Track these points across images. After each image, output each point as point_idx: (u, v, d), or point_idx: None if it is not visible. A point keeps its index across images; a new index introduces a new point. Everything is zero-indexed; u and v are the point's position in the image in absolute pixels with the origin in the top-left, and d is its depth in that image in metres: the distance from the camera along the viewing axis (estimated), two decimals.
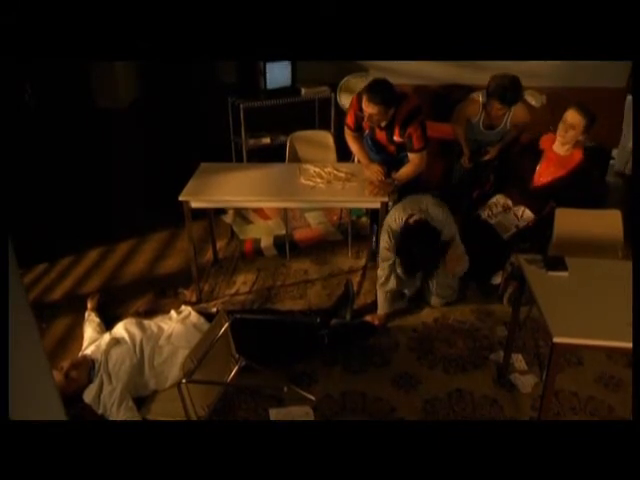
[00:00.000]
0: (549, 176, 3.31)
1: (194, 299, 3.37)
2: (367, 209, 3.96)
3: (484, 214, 3.42)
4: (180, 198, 3.08)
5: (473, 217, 3.50)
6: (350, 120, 3.34)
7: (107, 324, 2.92)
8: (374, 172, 3.24)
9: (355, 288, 3.42)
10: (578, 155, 3.24)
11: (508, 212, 3.38)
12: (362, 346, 2.98)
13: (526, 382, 2.78)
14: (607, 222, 2.95)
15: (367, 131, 3.42)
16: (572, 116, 3.10)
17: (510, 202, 3.40)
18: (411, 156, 3.25)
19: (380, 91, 2.99)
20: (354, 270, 3.74)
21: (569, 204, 3.02)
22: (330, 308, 3.15)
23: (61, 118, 3.76)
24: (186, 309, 2.85)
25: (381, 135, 3.35)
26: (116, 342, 2.57)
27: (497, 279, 3.52)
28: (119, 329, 2.65)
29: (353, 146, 3.42)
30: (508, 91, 3.53)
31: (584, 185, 3.26)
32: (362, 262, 3.81)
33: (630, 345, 2.03)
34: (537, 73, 4.91)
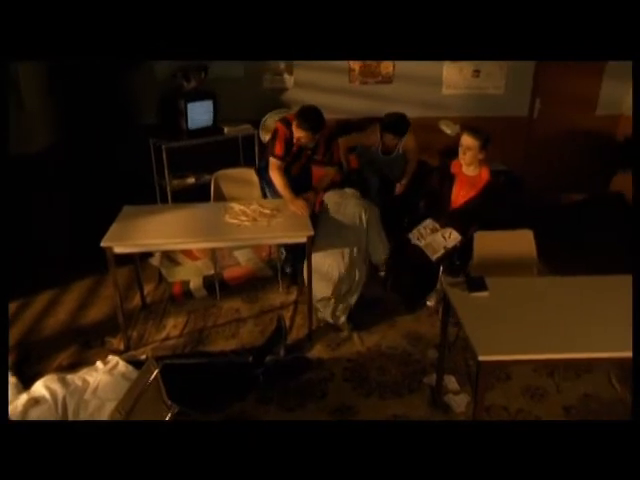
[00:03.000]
0: (464, 197, 3.55)
1: (122, 347, 3.23)
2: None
3: (414, 237, 3.56)
4: (102, 244, 2.98)
5: (403, 241, 3.63)
6: (279, 149, 3.43)
7: (25, 383, 2.74)
8: (299, 207, 3.30)
9: (287, 323, 3.43)
10: (485, 174, 3.50)
11: (436, 234, 3.53)
12: (298, 381, 2.96)
13: (460, 402, 2.85)
14: (521, 242, 3.12)
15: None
16: (466, 139, 3.42)
17: (438, 225, 3.56)
18: (330, 169, 3.71)
19: (310, 117, 3.31)
20: (285, 305, 3.74)
21: (491, 222, 3.21)
22: (263, 345, 3.12)
23: None
24: (113, 359, 2.74)
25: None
26: (35, 402, 2.41)
27: (431, 301, 3.65)
28: (38, 387, 2.49)
29: (278, 180, 3.47)
30: (398, 125, 4.35)
31: (498, 201, 3.47)
32: (293, 297, 3.82)
33: (550, 356, 2.16)
34: (450, 105, 5.24)
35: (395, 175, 4.55)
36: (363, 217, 3.51)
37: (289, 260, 3.95)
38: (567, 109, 5.47)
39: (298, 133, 3.33)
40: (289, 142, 3.43)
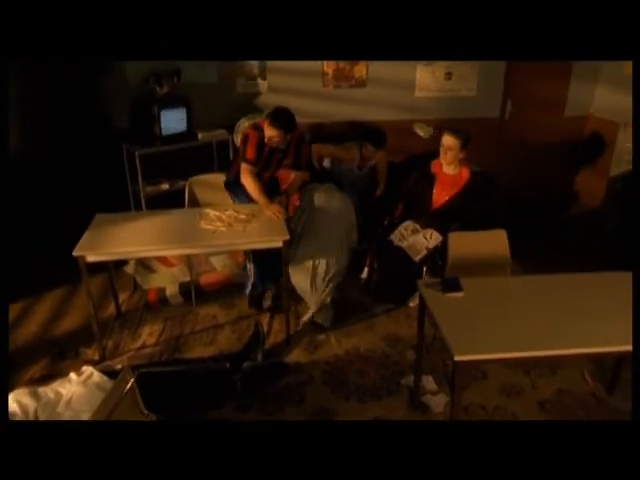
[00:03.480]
0: (445, 196, 3.60)
1: (97, 358, 3.17)
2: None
3: (395, 239, 3.59)
4: (74, 253, 2.93)
5: (385, 243, 3.65)
6: (250, 153, 3.41)
7: None
8: (275, 212, 3.30)
9: (265, 328, 3.42)
10: (466, 173, 3.58)
11: (418, 235, 3.57)
12: (276, 386, 2.95)
13: (438, 402, 2.87)
14: (495, 242, 3.17)
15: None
16: (447, 139, 3.50)
17: (418, 226, 3.60)
18: (299, 173, 3.69)
19: (282, 117, 3.32)
20: (263, 310, 3.72)
21: (472, 221, 3.25)
22: (241, 351, 3.11)
23: None
24: (87, 369, 2.69)
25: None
26: None
27: (415, 301, 3.66)
28: (8, 402, 2.43)
29: (252, 185, 3.43)
30: (378, 137, 4.45)
31: (480, 199, 3.53)
32: (270, 301, 3.78)
33: (525, 354, 2.19)
34: (424, 107, 5.29)
35: (367, 189, 4.62)
36: (349, 210, 3.67)
37: (257, 280, 3.72)
38: (537, 110, 5.58)
39: (270, 132, 3.31)
40: (260, 146, 3.41)
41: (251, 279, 3.69)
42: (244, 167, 3.45)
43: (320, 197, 3.68)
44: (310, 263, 3.45)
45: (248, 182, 3.45)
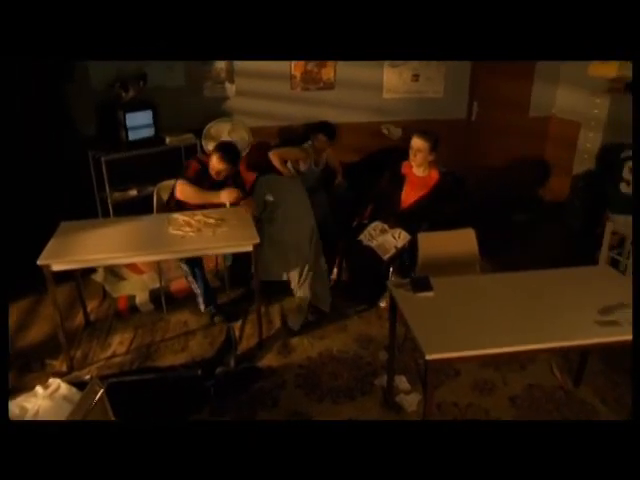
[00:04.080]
0: (414, 197, 3.65)
1: (65, 369, 3.10)
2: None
3: (365, 239, 3.62)
4: (38, 262, 2.86)
5: (354, 243, 3.68)
6: (190, 173, 3.43)
7: None
8: (230, 195, 3.40)
9: (237, 333, 3.40)
10: (435, 174, 3.64)
11: (386, 235, 3.60)
12: (250, 391, 2.93)
13: (411, 401, 2.89)
14: (464, 241, 3.21)
15: None
16: (416, 142, 3.55)
17: (387, 226, 3.63)
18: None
19: (232, 151, 3.46)
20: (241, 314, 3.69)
21: (440, 222, 3.29)
22: (213, 357, 3.07)
23: None
24: (54, 382, 2.61)
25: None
26: None
27: (385, 301, 3.70)
28: None
29: (191, 190, 3.40)
30: (329, 127, 4.49)
31: (449, 199, 3.58)
32: (241, 306, 3.77)
33: (495, 350, 2.22)
34: (392, 109, 5.34)
35: (328, 184, 4.74)
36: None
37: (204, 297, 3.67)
38: (503, 111, 5.68)
39: (220, 166, 3.39)
40: (200, 177, 3.43)
41: (200, 298, 3.65)
42: (180, 182, 3.42)
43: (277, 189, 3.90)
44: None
45: (187, 191, 3.40)
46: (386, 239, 3.58)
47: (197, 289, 3.61)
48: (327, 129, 4.52)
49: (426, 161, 3.58)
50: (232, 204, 3.51)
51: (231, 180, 3.56)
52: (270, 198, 3.94)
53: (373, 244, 3.57)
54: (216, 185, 3.48)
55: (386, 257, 3.52)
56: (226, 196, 3.40)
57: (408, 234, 3.54)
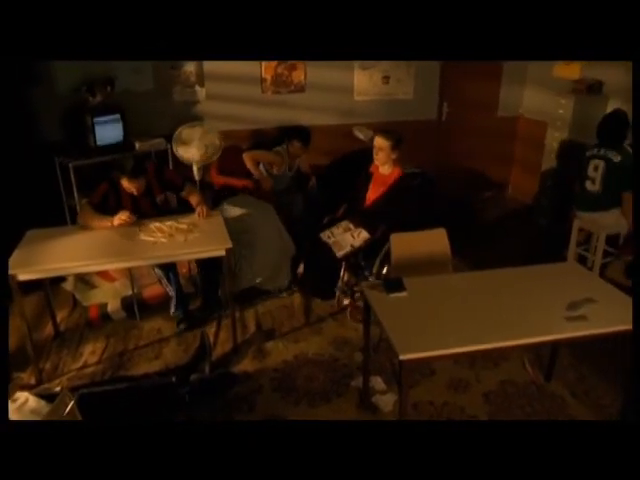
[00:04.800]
0: (375, 194, 3.70)
1: (33, 382, 3.02)
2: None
3: (324, 236, 3.66)
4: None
5: (315, 240, 3.72)
6: (95, 199, 3.37)
7: None
8: (121, 218, 3.27)
9: (211, 339, 3.37)
10: (396, 172, 3.68)
11: (346, 233, 3.63)
12: (225, 397, 2.90)
13: (387, 401, 2.90)
14: (436, 241, 3.24)
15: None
16: (378, 141, 3.61)
17: (352, 225, 3.67)
18: (188, 192, 3.59)
19: (138, 166, 3.29)
20: (209, 321, 3.65)
21: (400, 222, 3.32)
22: (187, 364, 3.04)
23: None
24: (22, 395, 2.54)
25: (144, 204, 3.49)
26: None
27: (346, 299, 3.77)
28: None
29: (89, 216, 3.34)
30: (305, 133, 4.58)
31: (406, 198, 3.62)
32: (214, 311, 3.74)
33: (467, 348, 2.24)
34: (363, 111, 5.38)
35: (301, 188, 4.79)
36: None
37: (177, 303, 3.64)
38: (472, 111, 5.77)
39: (134, 184, 3.28)
40: (113, 195, 3.37)
41: (173, 301, 3.63)
42: (84, 207, 3.43)
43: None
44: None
45: (85, 217, 3.37)
46: (344, 237, 3.62)
47: (171, 292, 3.59)
48: (302, 135, 4.56)
49: (389, 159, 3.62)
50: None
51: (155, 185, 3.47)
52: (234, 213, 3.96)
53: (330, 241, 3.62)
54: (139, 199, 3.42)
55: (339, 254, 3.57)
56: (117, 220, 3.26)
57: (368, 234, 3.58)
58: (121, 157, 3.61)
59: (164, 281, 3.57)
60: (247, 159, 4.44)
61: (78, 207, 4.21)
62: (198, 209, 3.46)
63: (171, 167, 4.59)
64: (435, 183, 5.19)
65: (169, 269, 3.49)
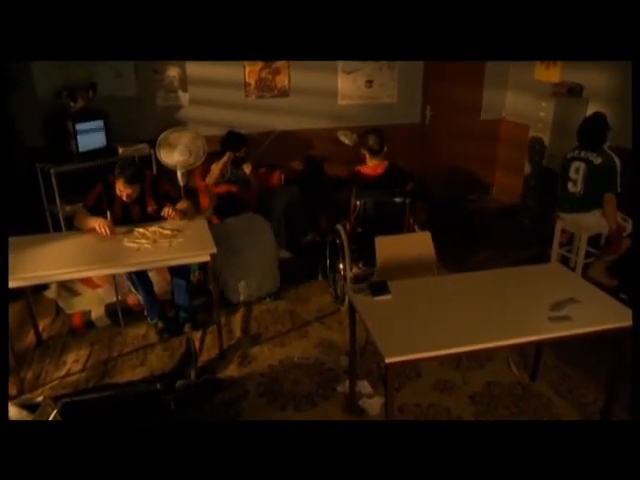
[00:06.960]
0: (374, 171, 3.77)
1: (14, 392, 2.96)
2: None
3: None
4: None
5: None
6: (91, 201, 3.37)
7: None
8: (99, 225, 3.23)
9: (197, 344, 3.34)
10: (385, 162, 3.77)
11: None
12: (212, 403, 2.88)
13: (374, 404, 2.89)
14: (420, 244, 3.26)
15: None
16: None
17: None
18: (181, 204, 3.54)
19: (135, 172, 3.25)
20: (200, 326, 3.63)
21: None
22: (173, 370, 3.02)
23: None
24: None
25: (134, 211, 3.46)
26: None
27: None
28: None
29: (83, 220, 3.33)
30: (231, 142, 4.45)
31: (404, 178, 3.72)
32: (201, 317, 3.72)
33: (452, 350, 2.25)
34: (347, 115, 5.39)
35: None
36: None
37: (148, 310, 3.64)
38: (455, 115, 5.83)
39: (128, 190, 3.25)
40: (107, 198, 3.35)
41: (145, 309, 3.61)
42: (79, 210, 3.42)
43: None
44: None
45: (79, 219, 3.37)
46: None
47: (139, 297, 3.58)
48: (232, 145, 4.42)
49: (371, 157, 3.74)
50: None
51: (150, 194, 3.45)
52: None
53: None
54: (130, 206, 3.40)
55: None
56: (97, 225, 3.23)
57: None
58: (122, 160, 3.56)
59: (131, 286, 3.55)
60: (198, 175, 4.41)
61: (60, 213, 4.17)
62: (165, 209, 3.41)
63: (155, 172, 4.56)
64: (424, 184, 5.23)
65: (135, 273, 3.43)
